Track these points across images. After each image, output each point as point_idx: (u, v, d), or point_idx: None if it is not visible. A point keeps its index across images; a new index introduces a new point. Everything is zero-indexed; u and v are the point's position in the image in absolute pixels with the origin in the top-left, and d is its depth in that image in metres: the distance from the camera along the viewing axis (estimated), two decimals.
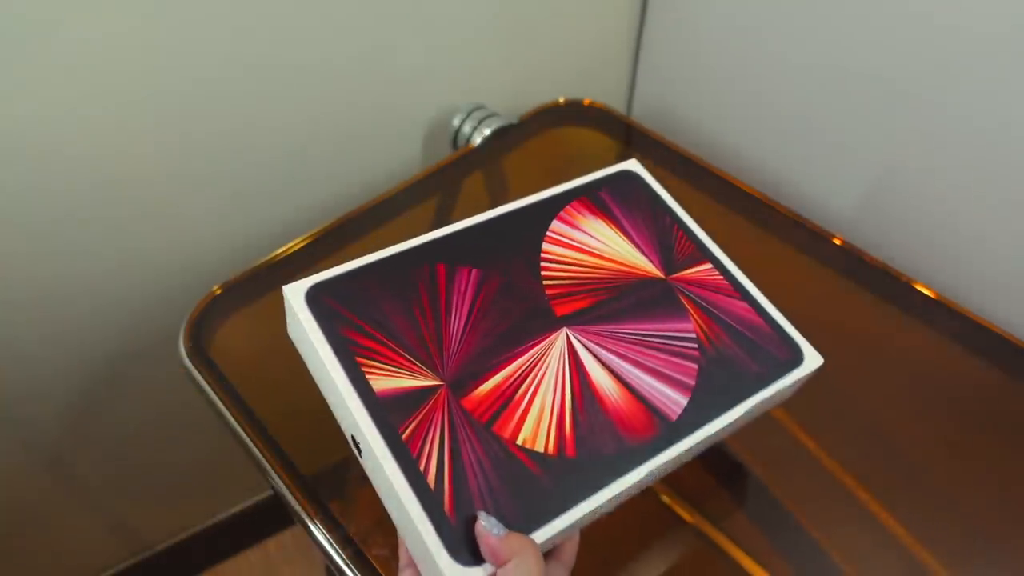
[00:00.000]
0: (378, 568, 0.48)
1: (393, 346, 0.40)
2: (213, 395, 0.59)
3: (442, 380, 0.39)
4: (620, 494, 0.38)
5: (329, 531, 0.50)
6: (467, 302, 0.43)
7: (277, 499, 0.54)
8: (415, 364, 0.39)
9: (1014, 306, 0.68)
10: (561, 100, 0.86)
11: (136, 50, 0.61)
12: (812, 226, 0.70)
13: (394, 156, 0.84)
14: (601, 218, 0.49)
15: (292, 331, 0.44)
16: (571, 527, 0.38)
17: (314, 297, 0.41)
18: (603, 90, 0.98)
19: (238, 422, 0.57)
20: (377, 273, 0.43)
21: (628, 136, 0.84)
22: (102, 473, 0.88)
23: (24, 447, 0.80)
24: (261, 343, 0.63)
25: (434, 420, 0.38)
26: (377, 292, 0.42)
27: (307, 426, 0.58)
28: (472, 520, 0.35)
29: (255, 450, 0.55)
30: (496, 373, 0.40)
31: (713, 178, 0.76)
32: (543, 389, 0.40)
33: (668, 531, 0.50)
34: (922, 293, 0.64)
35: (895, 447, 0.54)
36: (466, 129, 0.80)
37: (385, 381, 0.38)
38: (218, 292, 0.66)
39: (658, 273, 0.47)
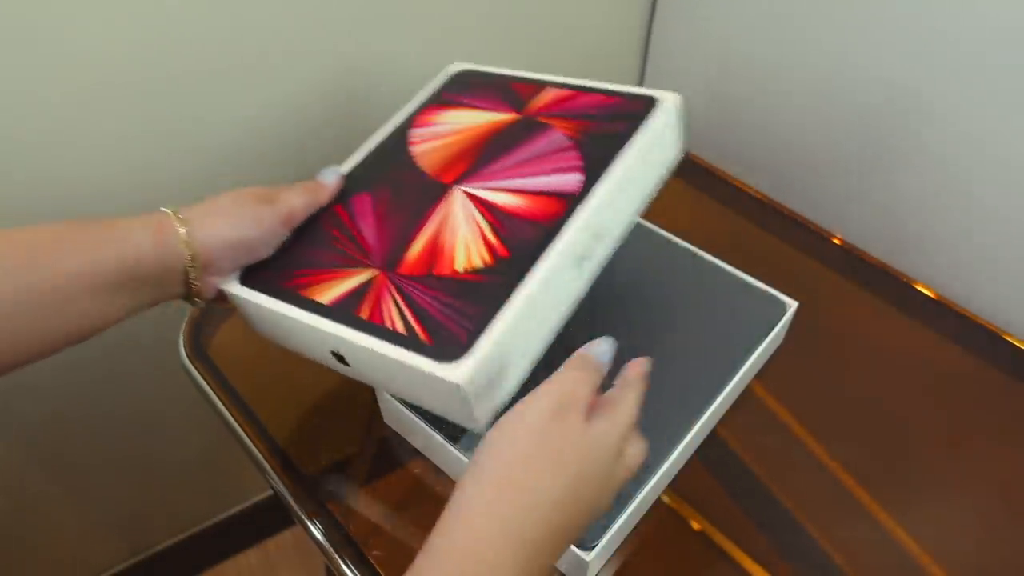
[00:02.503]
0: (378, 568, 0.48)
1: (327, 271, 0.46)
2: (213, 395, 0.59)
3: (376, 268, 0.46)
4: (566, 253, 0.43)
5: (329, 531, 0.50)
6: (369, 213, 0.50)
7: (277, 499, 0.54)
8: (348, 271, 0.46)
9: (1014, 306, 0.68)
10: None
11: (132, 42, 0.61)
12: (812, 226, 0.70)
13: None
14: (451, 109, 0.56)
15: (257, 324, 0.50)
16: (543, 298, 0.42)
17: (247, 279, 0.48)
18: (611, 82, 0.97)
19: (238, 422, 0.57)
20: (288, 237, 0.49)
21: None
22: (102, 473, 0.88)
23: (24, 447, 0.80)
24: (261, 343, 0.63)
25: (382, 294, 0.44)
26: (297, 248, 0.49)
27: (307, 426, 0.58)
28: (447, 335, 0.40)
29: (255, 450, 0.55)
30: (416, 239, 0.46)
31: (711, 176, 0.76)
32: (460, 228, 0.46)
33: (667, 530, 0.50)
34: (922, 293, 0.64)
35: (895, 447, 0.54)
36: None
37: (330, 294, 0.45)
38: None
39: (513, 115, 0.53)
